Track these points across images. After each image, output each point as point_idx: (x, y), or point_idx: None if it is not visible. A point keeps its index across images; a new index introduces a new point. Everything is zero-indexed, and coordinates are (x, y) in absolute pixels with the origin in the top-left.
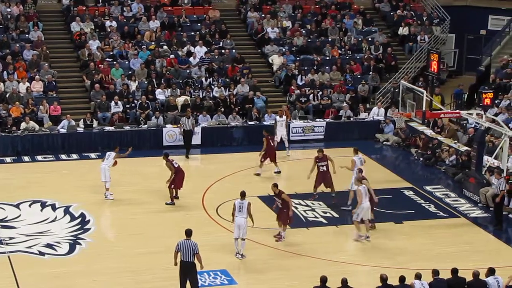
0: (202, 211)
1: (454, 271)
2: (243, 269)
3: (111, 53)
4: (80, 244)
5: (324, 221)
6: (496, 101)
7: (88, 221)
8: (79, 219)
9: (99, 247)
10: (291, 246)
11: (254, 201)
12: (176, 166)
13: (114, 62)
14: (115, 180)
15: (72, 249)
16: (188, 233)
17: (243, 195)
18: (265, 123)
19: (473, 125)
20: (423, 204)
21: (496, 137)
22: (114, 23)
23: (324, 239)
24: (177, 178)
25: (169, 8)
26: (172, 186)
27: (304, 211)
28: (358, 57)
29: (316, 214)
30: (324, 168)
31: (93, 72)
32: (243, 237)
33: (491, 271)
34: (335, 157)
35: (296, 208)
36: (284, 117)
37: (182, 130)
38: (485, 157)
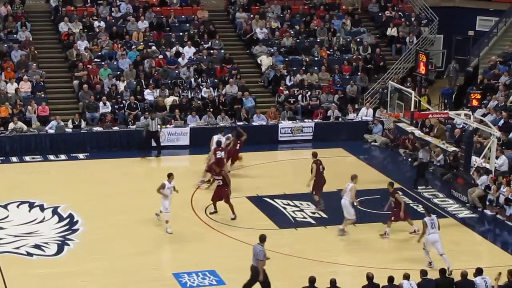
0: (191, 211)
1: (442, 271)
2: (231, 269)
3: (100, 53)
4: (68, 245)
5: (312, 221)
6: (484, 102)
7: (77, 221)
8: (68, 220)
9: (87, 248)
10: (279, 246)
11: (243, 202)
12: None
13: (103, 63)
14: (103, 180)
15: (60, 249)
16: (261, 238)
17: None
18: (253, 123)
19: (461, 126)
20: (411, 205)
21: (484, 137)
22: (102, 24)
23: (313, 240)
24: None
25: (158, 8)
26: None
27: (293, 211)
28: (346, 57)
29: (305, 215)
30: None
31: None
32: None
33: (479, 271)
34: (323, 158)
35: (284, 208)
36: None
37: (145, 131)
38: (473, 158)
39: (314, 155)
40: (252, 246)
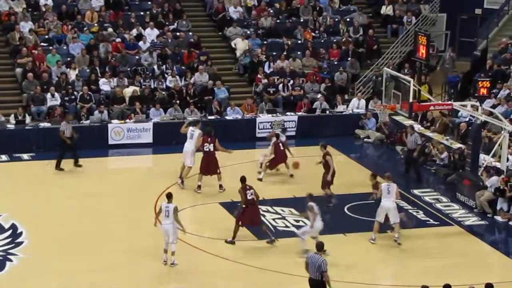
0: (153, 219)
1: (447, 287)
2: (202, 286)
3: (47, 36)
4: (10, 260)
5: (296, 230)
6: (493, 91)
7: (21, 233)
8: (10, 231)
9: (33, 263)
10: (257, 260)
11: (215, 208)
12: (250, 198)
13: (50, 47)
14: (50, 183)
15: (1, 266)
16: (319, 246)
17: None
18: (227, 117)
19: (467, 119)
20: (410, 211)
21: (494, 132)
22: (49, 2)
23: (296, 252)
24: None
25: None
26: (240, 222)
27: (273, 219)
28: (334, 40)
29: (287, 223)
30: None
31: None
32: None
33: (489, 287)
34: (308, 157)
35: (263, 216)
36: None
37: (64, 136)
38: (482, 156)
39: (324, 146)
40: (226, 260)
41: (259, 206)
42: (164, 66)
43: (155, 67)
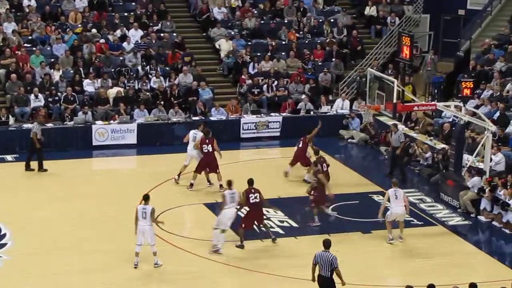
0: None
1: (431, 287)
2: (188, 287)
3: (30, 37)
4: None
5: (281, 231)
6: (477, 91)
7: (4, 235)
8: None
9: (18, 265)
10: (242, 260)
11: (200, 209)
12: (253, 201)
13: (34, 48)
14: (34, 185)
15: None
16: (327, 244)
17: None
18: (211, 118)
19: (450, 119)
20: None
21: (478, 132)
22: (33, 2)
23: (281, 253)
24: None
25: None
26: (244, 225)
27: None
28: (318, 41)
29: (272, 224)
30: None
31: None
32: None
33: (473, 287)
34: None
35: None
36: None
37: (36, 139)
38: (465, 156)
39: (316, 152)
40: (211, 260)
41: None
42: (148, 67)
43: (139, 68)
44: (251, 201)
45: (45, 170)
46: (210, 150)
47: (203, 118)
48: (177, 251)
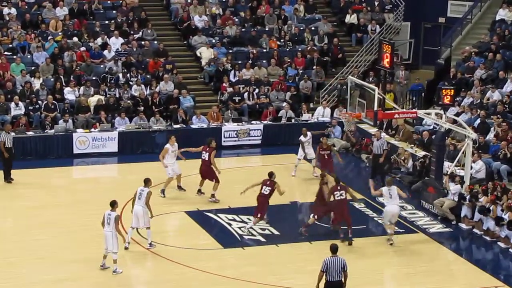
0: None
1: None
2: None
3: (10, 45)
4: None
5: (262, 239)
6: (457, 99)
7: None
8: None
9: None
10: (224, 269)
11: (182, 217)
12: (338, 198)
13: (14, 56)
14: (14, 194)
15: None
16: (334, 249)
17: (112, 205)
18: (192, 126)
19: (431, 127)
20: (375, 218)
21: (458, 140)
22: (13, 10)
23: (263, 261)
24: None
25: None
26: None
27: (240, 228)
28: (299, 49)
29: (253, 232)
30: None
31: None
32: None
33: None
34: (274, 166)
35: (229, 224)
36: (310, 134)
37: (4, 148)
38: (446, 163)
39: (270, 175)
40: (192, 268)
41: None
42: (129, 75)
43: (120, 75)
44: (336, 197)
45: (10, 181)
46: (206, 158)
47: (184, 126)
48: (158, 258)
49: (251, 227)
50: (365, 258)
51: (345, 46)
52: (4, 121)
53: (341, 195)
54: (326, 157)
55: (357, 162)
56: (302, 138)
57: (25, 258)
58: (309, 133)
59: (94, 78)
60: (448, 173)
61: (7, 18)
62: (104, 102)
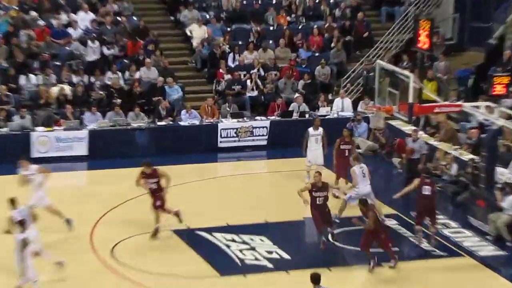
0: (90, 252)
1: None
2: None
3: None
4: None
5: (269, 265)
6: None
7: None
8: None
9: None
10: None
11: (168, 237)
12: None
13: None
14: None
15: None
16: (317, 279)
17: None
18: (181, 123)
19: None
20: (411, 238)
21: None
22: None
23: None
24: None
25: None
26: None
27: (240, 250)
28: (315, 26)
29: (257, 255)
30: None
31: None
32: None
33: None
34: (283, 172)
35: (228, 246)
36: (321, 129)
37: None
38: (499, 169)
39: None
40: None
41: None
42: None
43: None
44: (423, 192)
45: None
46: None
47: (171, 122)
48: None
49: None
50: (399, 286)
51: (372, 22)
52: None
53: (428, 190)
54: (347, 154)
55: (387, 168)
56: (310, 130)
57: None
58: (321, 129)
59: (57, 63)
60: (501, 182)
61: None
62: (70, 93)
